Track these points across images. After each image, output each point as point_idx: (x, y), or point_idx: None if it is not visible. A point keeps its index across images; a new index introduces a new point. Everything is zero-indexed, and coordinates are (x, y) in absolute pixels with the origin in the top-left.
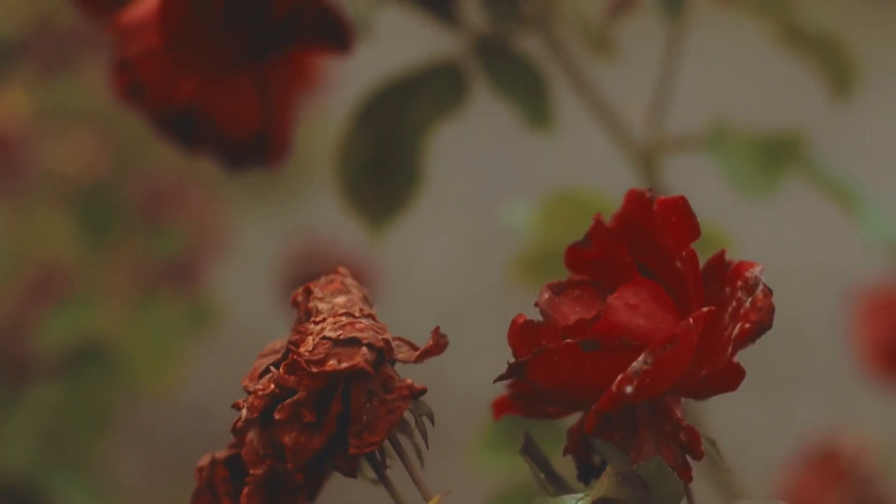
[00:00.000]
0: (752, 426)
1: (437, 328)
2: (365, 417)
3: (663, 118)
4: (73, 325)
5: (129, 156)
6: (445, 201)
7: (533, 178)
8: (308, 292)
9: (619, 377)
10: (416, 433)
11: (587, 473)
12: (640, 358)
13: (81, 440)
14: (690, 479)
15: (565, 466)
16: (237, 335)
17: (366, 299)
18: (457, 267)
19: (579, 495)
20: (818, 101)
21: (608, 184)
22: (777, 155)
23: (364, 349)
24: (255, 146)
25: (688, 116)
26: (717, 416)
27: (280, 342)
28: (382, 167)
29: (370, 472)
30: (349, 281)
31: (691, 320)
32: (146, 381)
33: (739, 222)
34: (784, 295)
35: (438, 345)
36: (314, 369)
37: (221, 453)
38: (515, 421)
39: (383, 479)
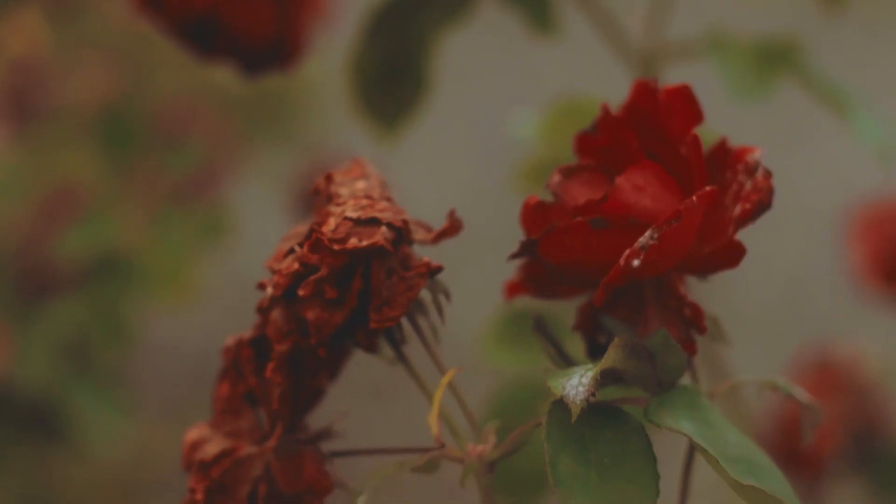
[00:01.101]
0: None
1: (453, 210)
2: (385, 293)
3: (662, 27)
4: (91, 238)
5: (143, 81)
6: (446, 124)
7: (533, 93)
8: (329, 179)
9: (627, 252)
10: (433, 314)
11: (595, 352)
12: (647, 233)
13: (100, 353)
14: (695, 352)
15: (574, 350)
16: (248, 247)
17: (384, 185)
18: (457, 194)
19: (588, 366)
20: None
21: (608, 93)
22: (772, 60)
23: (384, 228)
24: (271, 51)
25: (686, 25)
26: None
27: (303, 226)
28: (393, 74)
29: (388, 353)
30: (368, 168)
31: (695, 198)
32: (162, 293)
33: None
34: (782, 241)
35: (454, 226)
36: (336, 247)
37: (247, 334)
38: (521, 318)
39: (401, 356)
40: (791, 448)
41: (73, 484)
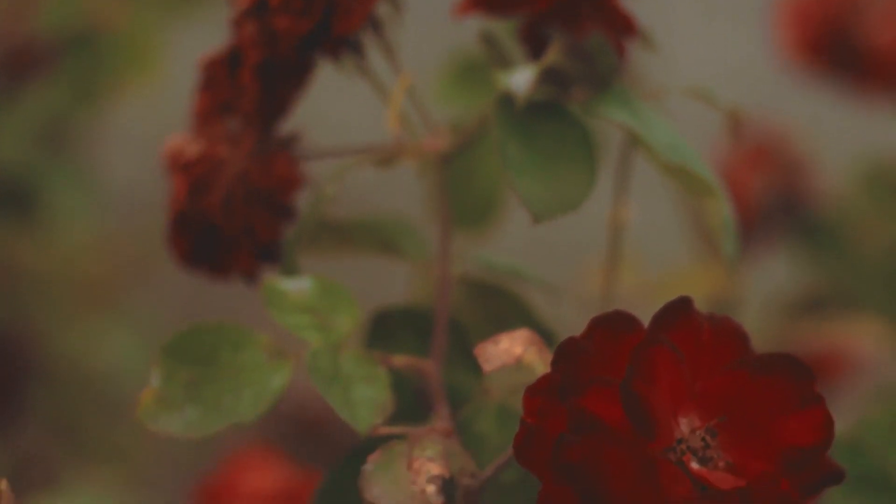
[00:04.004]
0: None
1: None
2: (346, 4)
3: None
4: (64, 12)
5: None
6: None
7: None
8: None
9: None
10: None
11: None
12: None
13: (74, 135)
14: (624, 53)
15: None
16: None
17: None
18: None
19: (530, 65)
20: None
21: None
22: None
23: None
24: None
25: None
26: None
27: None
28: None
29: (349, 66)
30: None
31: None
32: (135, 69)
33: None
34: (715, 22)
35: None
36: None
37: (221, 51)
38: (474, 67)
39: (361, 66)
40: None
41: (39, 270)
